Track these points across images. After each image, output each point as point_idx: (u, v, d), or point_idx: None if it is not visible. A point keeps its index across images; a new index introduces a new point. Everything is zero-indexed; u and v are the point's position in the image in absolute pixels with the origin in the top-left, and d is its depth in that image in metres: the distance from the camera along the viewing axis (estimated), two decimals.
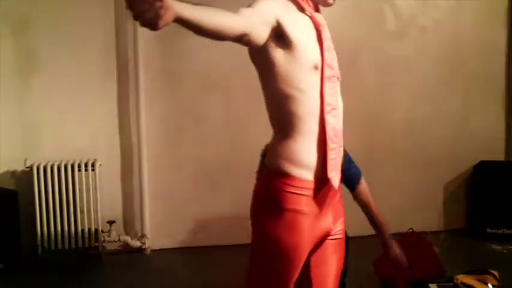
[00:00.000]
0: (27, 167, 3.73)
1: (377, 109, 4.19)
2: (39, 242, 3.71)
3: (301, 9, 1.58)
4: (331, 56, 1.59)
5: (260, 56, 1.53)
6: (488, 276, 2.95)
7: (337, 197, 1.68)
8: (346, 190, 1.69)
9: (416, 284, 3.04)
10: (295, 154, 1.54)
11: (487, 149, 4.45)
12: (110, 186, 3.99)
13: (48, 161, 3.75)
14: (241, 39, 1.41)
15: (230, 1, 1.55)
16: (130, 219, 4.10)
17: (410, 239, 3.33)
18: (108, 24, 3.96)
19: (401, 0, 4.31)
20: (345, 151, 2.35)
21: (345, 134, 1.68)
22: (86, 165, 3.80)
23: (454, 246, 4.09)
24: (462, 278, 2.94)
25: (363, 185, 2.48)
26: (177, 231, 4.14)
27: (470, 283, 2.90)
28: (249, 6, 1.45)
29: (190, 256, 4.02)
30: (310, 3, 1.61)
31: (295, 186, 1.54)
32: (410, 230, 3.40)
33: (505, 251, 3.92)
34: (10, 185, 3.82)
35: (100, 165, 3.85)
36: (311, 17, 1.58)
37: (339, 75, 1.63)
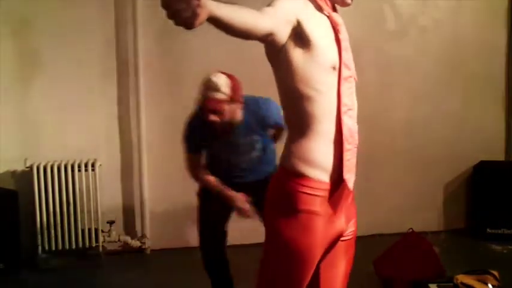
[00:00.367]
0: (27, 167, 3.73)
1: (377, 109, 4.19)
2: (39, 242, 3.72)
3: (319, 9, 1.57)
4: (348, 57, 1.59)
5: (278, 56, 1.51)
6: (488, 276, 2.95)
7: (350, 198, 1.66)
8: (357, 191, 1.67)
9: (416, 284, 3.04)
10: (311, 154, 1.53)
11: (487, 149, 4.45)
12: (110, 186, 3.99)
13: (48, 161, 3.75)
14: (267, 38, 1.41)
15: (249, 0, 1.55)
16: (130, 219, 4.10)
17: (410, 239, 3.33)
18: (108, 25, 3.96)
19: (401, 0, 4.31)
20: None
21: None
22: (86, 165, 3.80)
23: (454, 246, 4.09)
24: (462, 278, 2.94)
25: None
26: (177, 231, 4.14)
27: (470, 283, 2.90)
28: (269, 5, 1.44)
29: (190, 256, 4.01)
30: (328, 3, 1.61)
31: (310, 187, 1.52)
32: (410, 230, 3.40)
33: (505, 251, 3.92)
34: (10, 185, 3.82)
35: (100, 165, 3.85)
36: (329, 17, 1.57)
37: (355, 76, 1.63)
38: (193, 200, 4.20)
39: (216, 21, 1.23)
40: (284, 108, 1.62)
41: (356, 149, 1.62)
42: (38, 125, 3.89)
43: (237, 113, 2.62)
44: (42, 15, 3.83)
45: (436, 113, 4.39)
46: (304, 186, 1.52)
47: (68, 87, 3.90)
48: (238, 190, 2.76)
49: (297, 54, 1.48)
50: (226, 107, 2.53)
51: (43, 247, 3.73)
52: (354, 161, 1.60)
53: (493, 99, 4.55)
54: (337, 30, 1.57)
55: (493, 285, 2.91)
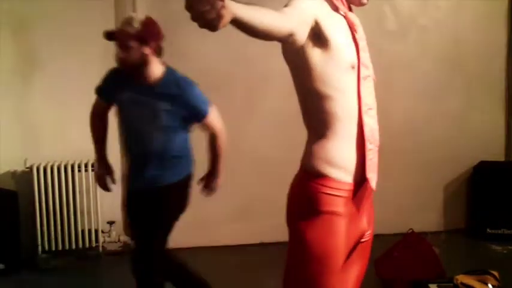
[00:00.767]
0: (27, 168, 3.73)
1: (377, 109, 4.19)
2: (39, 242, 3.72)
3: (336, 9, 1.57)
4: (366, 56, 1.59)
5: (296, 56, 1.51)
6: (488, 277, 2.95)
7: (371, 199, 1.66)
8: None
9: (416, 284, 3.04)
10: (333, 155, 1.52)
11: (487, 149, 4.45)
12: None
13: (48, 161, 3.75)
14: (288, 38, 1.41)
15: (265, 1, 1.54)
16: None
17: (410, 239, 3.33)
18: (108, 25, 3.94)
19: (401, 0, 4.31)
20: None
21: None
22: (86, 166, 3.80)
23: (454, 246, 4.09)
24: (462, 278, 2.93)
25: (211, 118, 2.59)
26: (176, 231, 4.13)
27: (470, 283, 2.90)
28: (286, 6, 1.44)
29: (190, 256, 4.01)
30: (344, 3, 1.61)
31: (333, 188, 1.51)
32: (410, 230, 3.41)
33: (505, 251, 3.92)
34: (10, 185, 3.82)
35: None
36: (345, 17, 1.57)
37: (374, 76, 1.63)
38: (193, 199, 4.21)
39: (238, 23, 1.22)
40: (304, 109, 1.61)
41: (377, 148, 1.61)
42: (38, 125, 3.89)
43: (152, 62, 2.44)
44: (42, 16, 3.83)
45: (436, 113, 4.39)
46: (327, 187, 1.51)
47: (68, 87, 3.89)
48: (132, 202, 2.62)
49: (315, 54, 1.48)
50: (134, 44, 2.37)
51: (43, 247, 3.73)
52: (375, 160, 1.60)
53: (493, 99, 4.54)
54: (354, 29, 1.57)
55: (493, 285, 2.91)
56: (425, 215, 4.36)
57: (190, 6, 1.12)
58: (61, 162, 3.77)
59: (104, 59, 3.98)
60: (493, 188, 4.18)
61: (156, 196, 2.56)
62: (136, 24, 2.37)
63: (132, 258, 2.62)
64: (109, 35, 2.41)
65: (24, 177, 3.78)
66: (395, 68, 4.33)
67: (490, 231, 4.15)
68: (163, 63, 2.51)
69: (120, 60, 2.44)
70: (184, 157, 2.67)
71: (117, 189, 4.08)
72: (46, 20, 3.84)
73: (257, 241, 4.19)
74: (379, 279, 3.24)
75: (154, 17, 4.03)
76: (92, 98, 3.99)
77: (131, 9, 3.94)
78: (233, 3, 1.18)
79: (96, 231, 3.85)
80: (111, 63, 4.01)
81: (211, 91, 4.14)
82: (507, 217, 4.11)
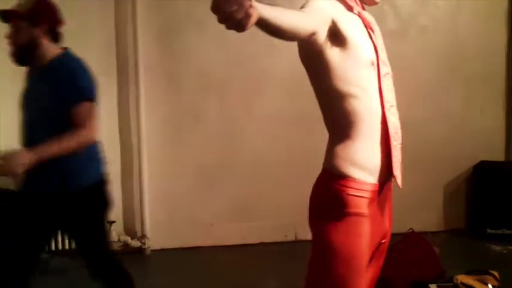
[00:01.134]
0: None
1: None
2: None
3: (349, 8, 1.57)
4: (384, 53, 1.60)
5: (314, 56, 1.49)
6: (488, 277, 2.96)
7: (391, 199, 1.66)
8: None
9: (416, 284, 3.04)
10: (357, 155, 1.51)
11: (487, 149, 4.45)
12: (109, 187, 3.98)
13: None
14: (310, 38, 1.41)
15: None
16: (130, 219, 4.10)
17: (410, 239, 3.33)
18: (108, 25, 3.96)
19: (401, 0, 4.32)
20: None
21: None
22: None
23: (454, 246, 4.09)
24: (462, 278, 2.94)
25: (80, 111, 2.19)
26: (177, 231, 4.14)
27: (470, 283, 2.91)
28: (303, 7, 1.44)
29: (190, 256, 4.02)
30: (358, 2, 1.62)
31: (357, 189, 1.49)
32: (410, 230, 3.41)
33: (505, 251, 3.92)
34: (10, 185, 3.82)
35: None
36: (359, 16, 1.58)
37: (391, 73, 1.63)
38: (193, 199, 4.22)
39: (264, 23, 1.21)
40: (324, 110, 1.59)
41: (400, 145, 1.60)
42: None
43: (43, 45, 2.27)
44: None
45: (436, 113, 4.39)
46: (350, 188, 1.49)
47: None
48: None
49: (334, 54, 1.48)
50: (23, 24, 2.22)
51: None
52: (400, 157, 1.59)
53: (493, 99, 4.54)
54: (370, 28, 1.58)
55: (493, 285, 2.91)
56: (425, 215, 4.36)
57: (217, 7, 1.10)
58: None
59: (104, 58, 3.99)
60: (493, 188, 4.18)
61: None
62: (28, 4, 2.24)
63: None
64: (1, 16, 2.24)
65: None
66: (395, 67, 4.27)
67: (490, 231, 4.15)
68: (62, 48, 2.36)
69: (9, 41, 2.26)
70: (86, 156, 2.30)
71: (117, 189, 4.09)
72: None
73: (257, 241, 4.19)
74: (379, 279, 3.24)
75: (154, 17, 4.07)
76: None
77: (131, 9, 3.94)
78: (258, 3, 1.17)
79: None
80: (111, 63, 4.03)
81: (211, 91, 4.17)
82: (507, 217, 4.11)
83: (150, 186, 4.06)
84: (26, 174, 2.25)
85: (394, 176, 1.56)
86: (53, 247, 3.75)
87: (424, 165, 4.37)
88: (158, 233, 4.08)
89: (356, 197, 1.49)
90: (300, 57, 1.56)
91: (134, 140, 4.03)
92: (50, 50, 2.30)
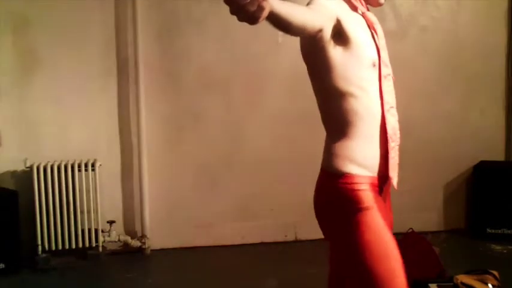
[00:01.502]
0: (27, 167, 3.73)
1: None
2: (39, 242, 3.71)
3: (354, 8, 1.58)
4: (386, 55, 1.60)
5: (317, 54, 1.49)
6: (488, 276, 2.95)
7: (389, 200, 1.67)
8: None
9: (416, 283, 3.04)
10: (354, 153, 1.51)
11: (487, 149, 4.45)
12: (109, 186, 3.99)
13: (48, 161, 3.75)
14: (317, 34, 1.41)
15: None
16: (130, 219, 4.10)
17: (410, 239, 3.33)
18: (108, 24, 3.96)
19: (401, 0, 4.31)
20: None
21: None
22: (86, 165, 3.80)
23: (454, 246, 4.09)
24: (462, 278, 2.94)
25: None
26: (177, 231, 4.14)
27: (470, 283, 2.90)
28: (309, 3, 1.45)
29: (190, 256, 4.02)
30: (363, 3, 1.62)
31: (358, 183, 1.50)
32: (410, 230, 3.41)
33: (505, 251, 3.92)
34: (10, 185, 3.82)
35: (100, 165, 3.85)
36: (363, 16, 1.58)
37: (393, 75, 1.63)
38: (193, 199, 4.22)
39: (275, 17, 1.21)
40: (323, 108, 1.59)
41: (398, 147, 1.61)
42: (38, 125, 3.89)
43: None
44: (42, 15, 3.83)
45: (436, 113, 4.39)
46: (352, 183, 1.49)
47: (68, 87, 3.90)
48: None
49: (337, 52, 1.48)
50: None
51: (43, 247, 3.73)
52: (397, 159, 1.60)
53: (493, 99, 4.54)
54: (373, 28, 1.58)
55: (493, 285, 2.91)
56: (425, 215, 4.36)
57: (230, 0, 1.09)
58: (61, 162, 3.77)
59: (104, 58, 4.00)
60: (493, 188, 4.18)
61: None
62: None
63: None
64: None
65: (24, 176, 3.78)
66: (395, 67, 4.28)
67: (490, 231, 4.15)
68: None
69: None
70: None
71: (117, 189, 4.10)
72: (46, 20, 3.84)
73: (257, 241, 4.19)
74: None
75: (154, 17, 4.08)
76: (92, 97, 4.01)
77: (131, 9, 3.94)
78: None
79: (96, 230, 3.85)
80: (111, 63, 4.03)
81: (211, 91, 4.17)
82: (507, 217, 4.11)
83: (150, 186, 4.06)
84: None
85: (389, 177, 1.56)
86: (53, 247, 3.75)
87: (424, 165, 4.37)
88: (158, 233, 4.08)
89: (361, 191, 1.49)
90: (302, 54, 1.56)
91: (134, 140, 4.03)
92: None
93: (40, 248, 3.73)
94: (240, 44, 4.08)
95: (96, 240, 3.86)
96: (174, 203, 4.12)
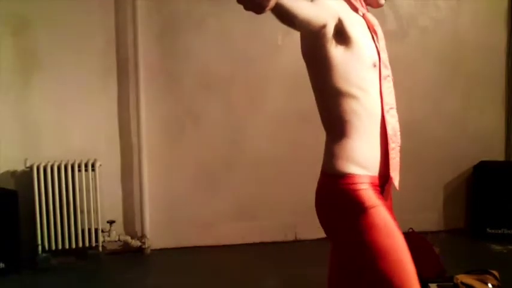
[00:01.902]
0: (27, 167, 3.73)
1: None
2: (39, 242, 3.71)
3: (354, 9, 1.58)
4: (386, 56, 1.60)
5: (317, 54, 1.49)
6: (488, 276, 2.95)
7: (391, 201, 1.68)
8: None
9: None
10: (353, 153, 1.51)
11: (487, 149, 4.45)
12: (110, 186, 3.99)
13: (48, 161, 3.75)
14: (321, 30, 1.40)
15: None
16: (130, 219, 4.10)
17: (410, 239, 3.32)
18: (108, 25, 3.96)
19: (401, 1, 4.32)
20: None
21: None
22: (86, 165, 3.80)
23: (454, 246, 4.09)
24: (462, 278, 2.94)
25: None
26: (177, 231, 4.14)
27: (470, 283, 2.90)
28: (312, 1, 1.44)
29: (190, 256, 4.02)
30: (363, 4, 1.62)
31: (360, 182, 1.49)
32: (410, 230, 3.41)
33: (505, 251, 3.92)
34: (10, 185, 3.82)
35: (100, 165, 3.85)
36: (363, 17, 1.58)
37: (392, 76, 1.63)
38: (193, 199, 4.22)
39: (280, 10, 1.21)
40: (323, 109, 1.59)
41: (399, 147, 1.61)
42: (38, 125, 3.89)
43: None
44: (42, 16, 3.83)
45: (436, 113, 4.39)
46: (355, 183, 1.49)
47: (68, 87, 3.90)
48: None
49: (338, 52, 1.47)
50: None
51: (43, 247, 3.73)
52: (398, 159, 1.59)
53: (493, 99, 4.54)
54: (374, 30, 1.58)
55: (493, 285, 2.91)
56: (425, 215, 4.36)
57: None
58: (61, 162, 3.77)
59: (104, 59, 4.00)
60: (493, 188, 4.18)
61: None
62: None
63: None
64: None
65: (24, 177, 3.78)
66: (395, 68, 4.28)
67: (490, 231, 4.15)
68: None
69: None
70: None
71: (117, 189, 4.10)
72: (46, 20, 3.84)
73: (257, 241, 4.20)
74: None
75: (154, 17, 4.07)
76: (92, 97, 4.01)
77: (131, 9, 3.94)
78: None
79: (96, 230, 3.85)
80: (111, 63, 4.03)
81: (211, 91, 4.17)
82: (507, 217, 4.11)
83: (150, 186, 4.06)
84: None
85: (390, 178, 1.56)
86: (53, 247, 3.75)
87: (424, 165, 4.37)
88: (158, 233, 4.08)
89: (362, 191, 1.49)
90: (302, 53, 1.55)
91: (134, 140, 4.03)
92: None
93: (40, 247, 3.73)
94: (240, 44, 4.08)
95: (96, 240, 3.86)
96: (174, 203, 4.12)
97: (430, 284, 3.00)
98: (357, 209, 1.48)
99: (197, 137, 4.13)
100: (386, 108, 1.55)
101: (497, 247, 3.99)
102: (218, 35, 4.07)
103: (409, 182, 4.40)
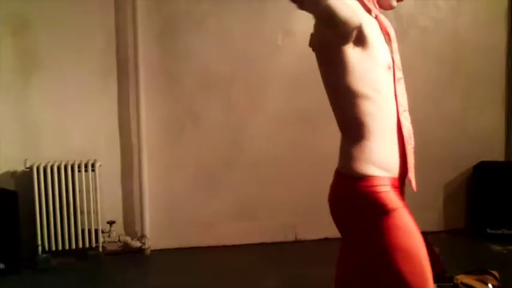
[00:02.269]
0: (27, 167, 3.73)
1: None
2: (39, 242, 3.71)
3: (367, 11, 1.57)
4: (399, 58, 1.60)
5: (332, 52, 1.47)
6: (488, 276, 2.95)
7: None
8: None
9: None
10: (372, 155, 1.49)
11: (487, 149, 4.45)
12: (110, 187, 3.99)
13: (48, 161, 3.75)
14: (352, 32, 1.40)
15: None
16: (130, 219, 4.10)
17: None
18: (108, 25, 3.96)
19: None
20: None
21: None
22: (86, 166, 3.80)
23: (454, 246, 4.09)
24: (462, 278, 2.93)
25: None
26: (177, 231, 4.14)
27: (470, 283, 2.90)
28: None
29: (190, 256, 4.02)
30: (376, 5, 1.61)
31: (381, 185, 1.48)
32: None
33: (505, 251, 3.92)
34: (10, 185, 3.82)
35: (100, 165, 3.85)
36: (376, 19, 1.58)
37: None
38: (193, 199, 4.22)
39: (327, 8, 1.23)
40: (338, 110, 1.57)
41: (413, 149, 1.59)
42: (38, 125, 3.89)
43: None
44: (42, 16, 3.83)
45: (436, 113, 4.39)
46: (376, 186, 1.47)
47: (68, 87, 3.90)
48: None
49: (355, 53, 1.46)
50: None
51: (43, 247, 3.73)
52: (413, 161, 1.58)
53: (493, 99, 4.55)
54: (387, 32, 1.58)
55: (493, 285, 2.90)
56: (425, 215, 4.35)
57: None
58: (61, 162, 3.77)
59: (104, 59, 4.00)
60: (493, 188, 4.18)
61: None
62: None
63: None
64: None
65: (24, 177, 3.78)
66: None
67: (490, 231, 4.16)
68: None
69: None
70: None
71: (117, 189, 4.09)
72: (46, 20, 3.84)
73: (257, 241, 4.19)
74: None
75: (154, 17, 4.07)
76: (92, 97, 4.01)
77: (131, 9, 3.94)
78: None
79: (96, 231, 3.85)
80: (111, 63, 4.03)
81: (211, 91, 4.17)
82: (507, 217, 4.11)
83: (150, 186, 4.06)
84: None
85: (409, 180, 1.55)
86: (53, 247, 3.75)
87: (424, 165, 4.34)
88: (158, 233, 4.08)
89: (384, 193, 1.48)
90: (316, 53, 1.53)
91: (134, 140, 4.03)
92: None
93: (40, 248, 3.73)
94: (240, 44, 4.08)
95: (96, 241, 3.86)
96: (174, 203, 4.12)
97: None
98: (379, 211, 1.47)
99: (197, 137, 4.13)
100: (400, 110, 1.54)
101: (497, 247, 3.99)
102: (218, 35, 4.07)
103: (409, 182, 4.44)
